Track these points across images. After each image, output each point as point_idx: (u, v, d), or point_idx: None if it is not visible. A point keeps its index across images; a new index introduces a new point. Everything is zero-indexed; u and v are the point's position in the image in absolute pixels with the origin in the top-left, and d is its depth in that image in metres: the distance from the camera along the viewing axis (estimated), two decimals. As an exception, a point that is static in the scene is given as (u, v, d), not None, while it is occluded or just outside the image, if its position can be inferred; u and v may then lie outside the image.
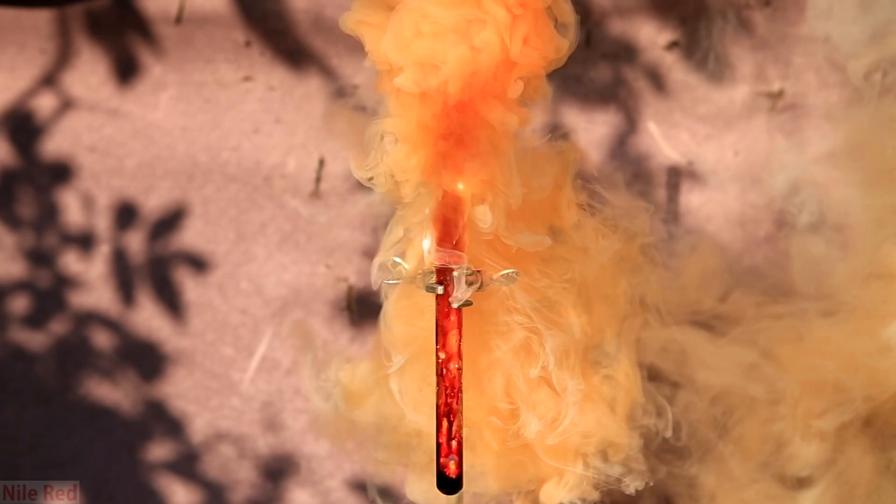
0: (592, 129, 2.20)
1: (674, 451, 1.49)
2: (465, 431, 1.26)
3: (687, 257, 1.56)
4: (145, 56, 2.30)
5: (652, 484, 1.40)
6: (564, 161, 1.34)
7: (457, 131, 1.20)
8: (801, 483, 1.52)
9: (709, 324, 1.53)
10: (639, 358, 1.41)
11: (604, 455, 1.38)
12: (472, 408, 1.32)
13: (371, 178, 1.25)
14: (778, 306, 1.54)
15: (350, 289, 2.24)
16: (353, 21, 1.22)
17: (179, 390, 2.25)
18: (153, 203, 2.28)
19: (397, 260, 1.28)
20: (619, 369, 1.38)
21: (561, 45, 1.22)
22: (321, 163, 2.26)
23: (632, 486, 1.38)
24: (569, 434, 1.33)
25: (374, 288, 1.31)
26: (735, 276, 1.57)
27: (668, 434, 1.42)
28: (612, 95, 2.21)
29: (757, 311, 1.54)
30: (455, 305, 1.23)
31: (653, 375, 1.45)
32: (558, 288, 1.32)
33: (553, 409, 1.32)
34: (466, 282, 1.22)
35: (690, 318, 1.52)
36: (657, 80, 2.20)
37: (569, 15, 1.22)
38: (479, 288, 1.24)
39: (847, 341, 1.48)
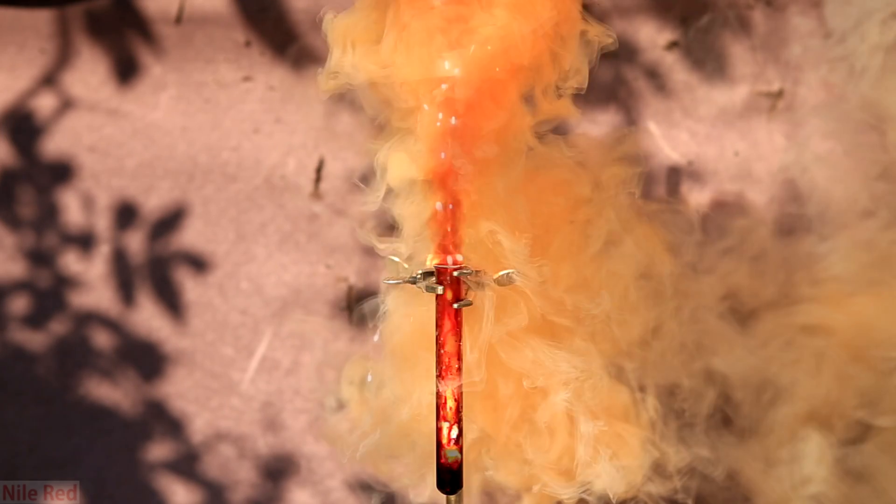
0: (592, 129, 2.20)
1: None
2: (468, 430, 1.26)
3: (719, 249, 1.56)
4: (145, 56, 2.30)
5: None
6: (614, 174, 1.32)
7: (461, 137, 1.19)
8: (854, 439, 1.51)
9: (745, 309, 1.53)
10: (670, 367, 1.41)
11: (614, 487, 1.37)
12: (481, 412, 1.32)
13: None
14: (814, 286, 1.53)
15: (350, 289, 2.24)
16: (328, 85, 1.22)
17: (179, 390, 2.25)
18: (153, 203, 2.28)
19: (397, 260, 1.28)
20: (648, 398, 1.38)
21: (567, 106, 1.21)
22: (321, 163, 2.26)
23: None
24: (584, 474, 1.32)
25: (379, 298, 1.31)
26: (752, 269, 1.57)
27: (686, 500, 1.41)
28: (612, 95, 2.20)
29: (793, 292, 1.53)
30: (456, 306, 1.23)
31: (682, 380, 1.44)
32: (586, 310, 1.31)
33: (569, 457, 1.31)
34: (466, 282, 1.22)
35: (728, 305, 1.51)
36: (657, 80, 2.20)
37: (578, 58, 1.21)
38: (480, 288, 1.23)
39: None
